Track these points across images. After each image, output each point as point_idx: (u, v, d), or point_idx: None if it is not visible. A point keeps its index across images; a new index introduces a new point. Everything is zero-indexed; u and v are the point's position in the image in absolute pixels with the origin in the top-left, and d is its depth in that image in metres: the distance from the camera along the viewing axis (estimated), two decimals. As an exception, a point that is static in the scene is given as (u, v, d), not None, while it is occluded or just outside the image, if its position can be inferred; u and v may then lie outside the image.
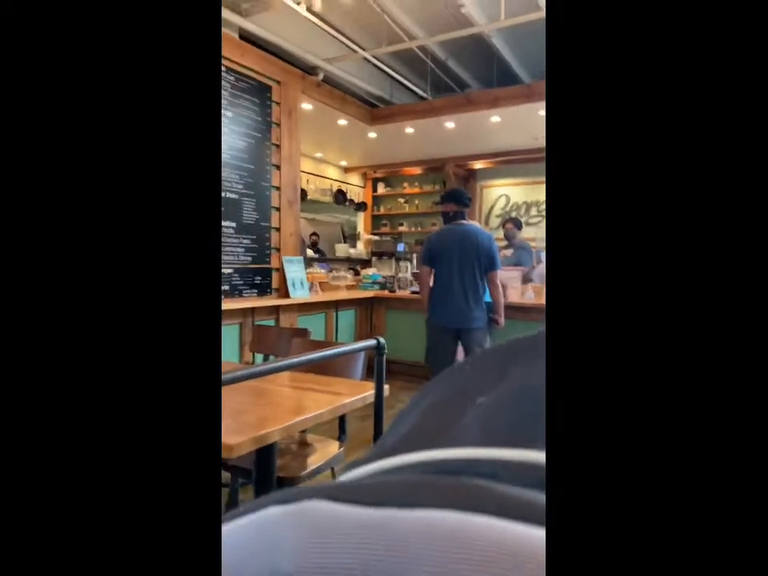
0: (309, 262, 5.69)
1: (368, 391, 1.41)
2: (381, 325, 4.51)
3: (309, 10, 3.21)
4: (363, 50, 3.86)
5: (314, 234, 6.67)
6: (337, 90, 4.16)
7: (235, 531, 0.12)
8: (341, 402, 1.36)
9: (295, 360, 1.23)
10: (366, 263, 6.64)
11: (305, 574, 0.10)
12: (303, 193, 6.08)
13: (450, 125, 4.60)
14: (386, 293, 4.44)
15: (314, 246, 6.39)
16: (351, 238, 7.18)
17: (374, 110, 4.65)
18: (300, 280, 3.67)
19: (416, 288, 4.19)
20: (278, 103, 3.52)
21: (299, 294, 3.61)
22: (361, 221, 7.32)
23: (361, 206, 7.10)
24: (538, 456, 0.11)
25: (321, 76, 3.93)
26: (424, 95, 4.64)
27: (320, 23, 3.52)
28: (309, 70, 3.88)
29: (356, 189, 7.14)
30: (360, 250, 7.10)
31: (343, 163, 6.76)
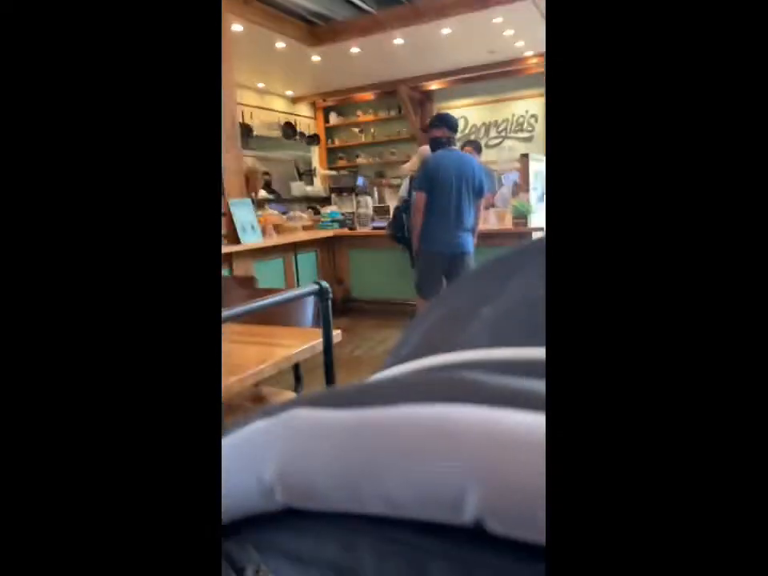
0: (261, 204, 5.40)
1: (316, 339, 1.27)
2: (344, 265, 4.34)
3: None
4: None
5: (266, 173, 6.29)
6: (270, 8, 3.71)
7: (226, 448, 0.12)
8: (286, 354, 1.24)
9: (231, 312, 1.08)
10: (326, 201, 6.36)
11: (286, 480, 0.10)
12: (247, 128, 5.65)
13: (398, 41, 4.22)
14: (346, 231, 4.24)
15: (267, 186, 6.04)
16: (307, 175, 6.82)
17: (314, 28, 4.20)
18: (250, 224, 3.42)
19: (379, 224, 4.00)
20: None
21: (251, 240, 3.38)
22: (315, 156, 6.94)
23: (313, 139, 6.69)
24: (537, 352, 0.12)
25: (249, -10, 3.48)
26: (368, 9, 4.21)
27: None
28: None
29: (306, 121, 6.69)
30: (318, 187, 6.78)
31: (289, 93, 6.27)
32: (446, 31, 4.06)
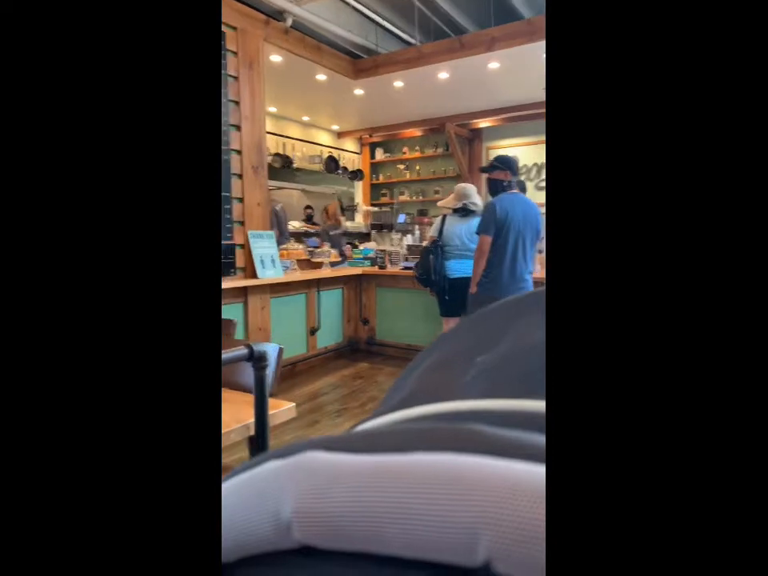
0: (299, 238, 5.28)
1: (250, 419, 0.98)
2: (371, 305, 4.08)
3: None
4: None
5: (309, 206, 6.22)
6: (310, 38, 3.63)
7: (236, 486, 0.12)
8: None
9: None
10: (366, 237, 6.20)
11: (303, 518, 0.11)
12: (287, 160, 5.61)
13: (443, 75, 4.04)
14: (375, 269, 3.99)
15: (308, 219, 5.95)
16: (349, 210, 6.70)
17: (356, 60, 4.10)
18: (271, 257, 3.24)
19: (409, 264, 3.74)
20: (234, 53, 3.03)
21: (269, 274, 3.19)
22: (359, 191, 6.83)
23: (356, 174, 6.59)
24: (535, 404, 0.12)
25: (289, 21, 3.41)
26: (412, 41, 4.08)
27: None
28: (275, 15, 3.36)
29: (352, 156, 6.62)
30: (359, 223, 6.63)
31: (335, 127, 6.23)
32: (493, 65, 3.84)
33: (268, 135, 5.26)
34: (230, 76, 3.01)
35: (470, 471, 0.09)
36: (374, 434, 0.11)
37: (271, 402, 1.10)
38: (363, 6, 3.72)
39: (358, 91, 4.48)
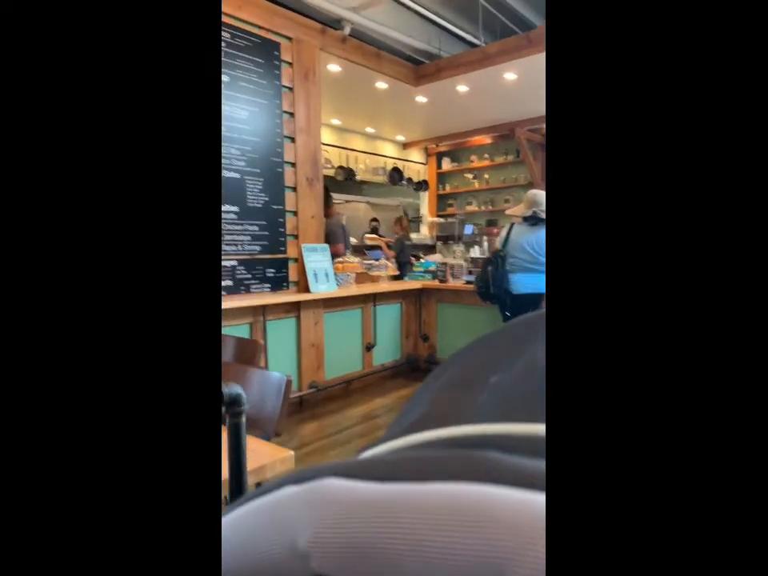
0: (361, 250, 5.18)
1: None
2: (431, 320, 3.86)
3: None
4: (392, -11, 3.19)
5: (374, 219, 6.14)
6: (368, 46, 3.53)
7: (252, 511, 0.12)
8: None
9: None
10: (432, 249, 6.00)
11: (320, 548, 0.10)
12: (350, 173, 5.55)
13: (510, 76, 3.77)
14: (435, 283, 3.77)
15: (374, 232, 5.86)
16: (414, 221, 6.54)
17: (417, 67, 3.94)
18: (324, 271, 3.13)
19: (471, 277, 3.49)
20: (289, 63, 2.98)
21: (323, 288, 3.08)
22: (425, 202, 6.64)
23: (421, 185, 6.41)
24: (542, 429, 0.12)
25: (347, 30, 3.33)
26: (476, 42, 3.85)
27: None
28: (332, 24, 3.29)
29: (418, 167, 6.46)
30: (424, 234, 6.44)
31: (400, 138, 6.11)
32: (566, 62, 3.51)
33: (330, 148, 5.26)
34: (285, 87, 2.96)
35: (490, 503, 0.09)
36: (391, 462, 0.11)
37: (268, 448, 0.93)
38: (424, 8, 3.56)
39: (420, 98, 4.31)
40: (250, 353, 1.52)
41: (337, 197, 5.74)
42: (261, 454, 0.87)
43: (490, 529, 0.09)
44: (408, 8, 3.55)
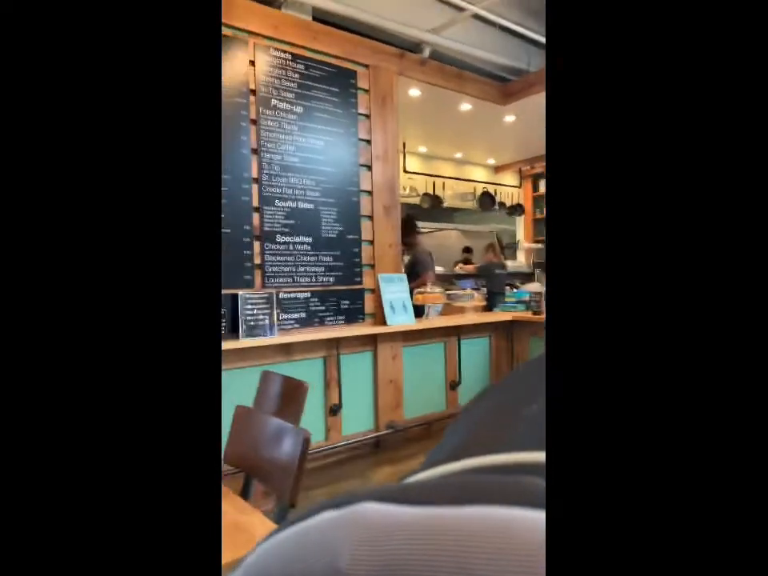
0: (450, 280, 4.94)
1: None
2: (524, 356, 3.48)
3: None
4: (472, 4, 3.02)
5: (467, 247, 5.88)
6: (449, 67, 3.38)
7: (291, 537, 0.12)
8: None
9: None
10: (529, 277, 5.59)
11: (359, 571, 0.11)
12: (437, 200, 5.37)
13: (610, 84, 3.38)
14: (528, 314, 3.42)
15: (466, 261, 5.60)
16: (510, 248, 6.17)
17: (503, 85, 3.71)
18: (402, 302, 2.95)
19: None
20: (366, 90, 2.92)
21: (399, 320, 2.89)
22: (521, 227, 6.25)
23: (515, 210, 6.04)
24: None
25: (427, 52, 3.21)
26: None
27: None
28: (411, 48, 3.20)
29: (511, 190, 6.12)
30: (520, 262, 6.04)
31: (491, 161, 5.84)
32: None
33: (416, 176, 5.16)
34: (361, 114, 2.89)
35: (530, 527, 0.09)
36: (429, 486, 0.11)
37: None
38: (509, 21, 3.34)
39: (509, 117, 4.05)
40: (296, 395, 1.36)
41: (425, 225, 5.58)
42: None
43: (528, 552, 0.09)
44: (490, 23, 3.35)
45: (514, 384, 0.19)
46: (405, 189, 5.03)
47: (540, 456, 0.12)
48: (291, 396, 1.38)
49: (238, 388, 1.94)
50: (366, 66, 2.92)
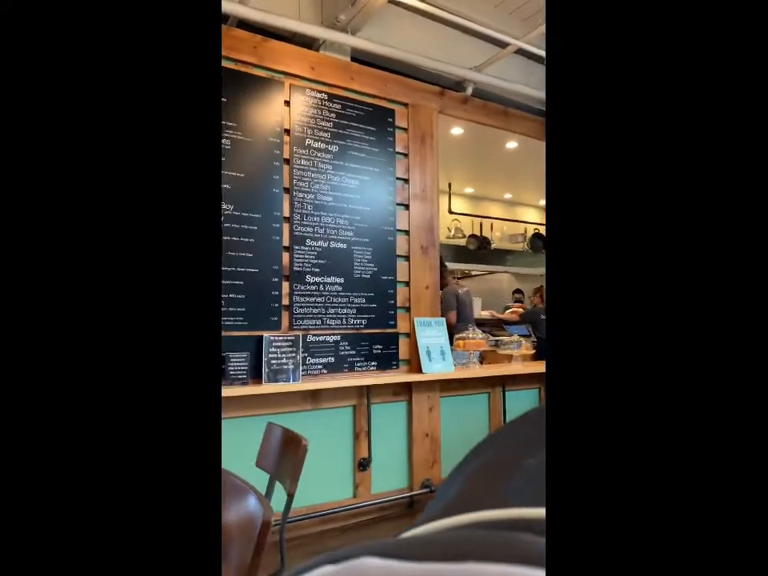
0: (500, 325, 4.66)
1: None
2: (578, 411, 3.13)
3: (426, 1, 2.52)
4: (516, 38, 2.92)
5: (518, 290, 5.61)
6: (492, 104, 3.26)
7: None
8: None
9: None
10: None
11: None
12: (484, 241, 5.17)
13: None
14: (582, 364, 3.09)
15: (517, 303, 5.32)
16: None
17: (553, 121, 3.53)
18: (440, 348, 2.74)
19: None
20: (404, 129, 2.84)
21: (438, 368, 2.68)
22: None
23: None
24: None
25: (470, 90, 3.12)
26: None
27: (449, 16, 2.78)
28: (453, 86, 3.12)
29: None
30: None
31: (543, 203, 5.61)
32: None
33: (462, 217, 5.00)
34: (399, 153, 2.80)
35: None
36: (427, 542, 0.11)
37: None
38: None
39: (560, 155, 3.86)
40: (295, 451, 1.19)
41: (473, 267, 5.36)
42: None
43: None
44: (534, 57, 3.24)
45: (511, 437, 0.18)
46: (450, 230, 4.88)
47: (539, 512, 0.12)
48: (290, 451, 1.21)
49: (255, 437, 1.79)
50: (405, 105, 2.86)
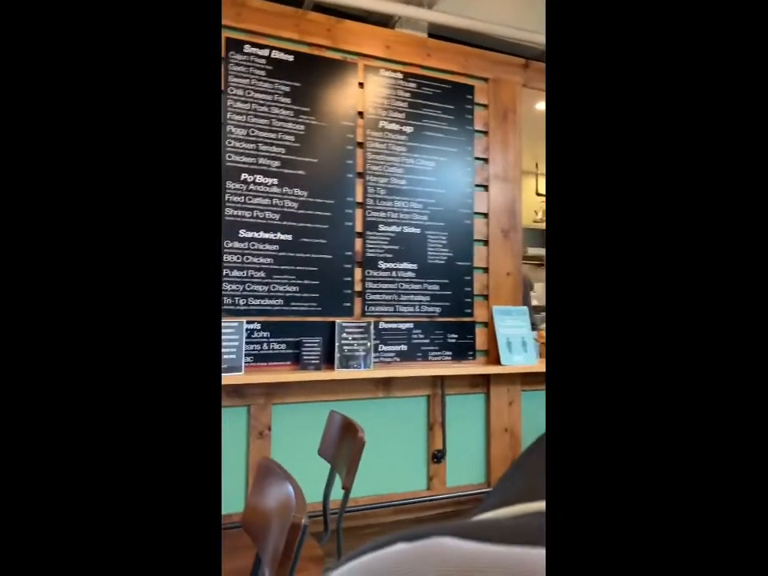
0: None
1: None
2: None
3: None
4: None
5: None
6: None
7: (363, 566, 0.12)
8: None
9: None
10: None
11: None
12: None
13: None
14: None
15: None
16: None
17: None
18: (521, 339, 2.57)
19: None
20: (484, 106, 2.68)
21: (518, 360, 2.52)
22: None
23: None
24: None
25: (558, 60, 2.87)
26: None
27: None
28: (539, 56, 2.89)
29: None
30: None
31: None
32: None
33: (538, 197, 4.66)
34: (478, 131, 2.65)
35: None
36: (504, 526, 0.11)
37: None
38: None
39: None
40: (353, 441, 1.14)
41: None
42: None
43: None
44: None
45: None
46: (537, 213, 4.59)
47: None
48: (347, 441, 1.16)
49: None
50: (486, 80, 2.69)
